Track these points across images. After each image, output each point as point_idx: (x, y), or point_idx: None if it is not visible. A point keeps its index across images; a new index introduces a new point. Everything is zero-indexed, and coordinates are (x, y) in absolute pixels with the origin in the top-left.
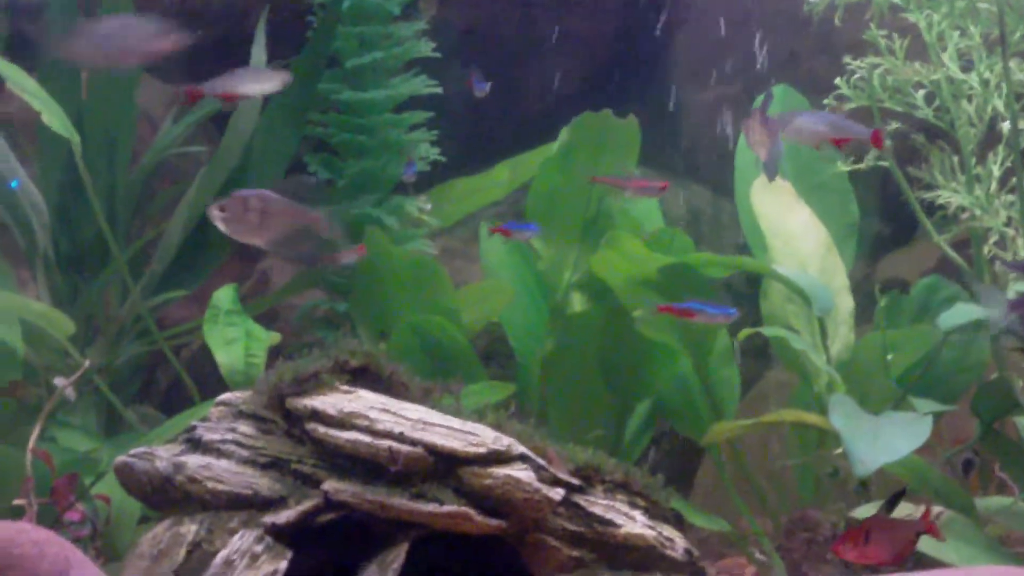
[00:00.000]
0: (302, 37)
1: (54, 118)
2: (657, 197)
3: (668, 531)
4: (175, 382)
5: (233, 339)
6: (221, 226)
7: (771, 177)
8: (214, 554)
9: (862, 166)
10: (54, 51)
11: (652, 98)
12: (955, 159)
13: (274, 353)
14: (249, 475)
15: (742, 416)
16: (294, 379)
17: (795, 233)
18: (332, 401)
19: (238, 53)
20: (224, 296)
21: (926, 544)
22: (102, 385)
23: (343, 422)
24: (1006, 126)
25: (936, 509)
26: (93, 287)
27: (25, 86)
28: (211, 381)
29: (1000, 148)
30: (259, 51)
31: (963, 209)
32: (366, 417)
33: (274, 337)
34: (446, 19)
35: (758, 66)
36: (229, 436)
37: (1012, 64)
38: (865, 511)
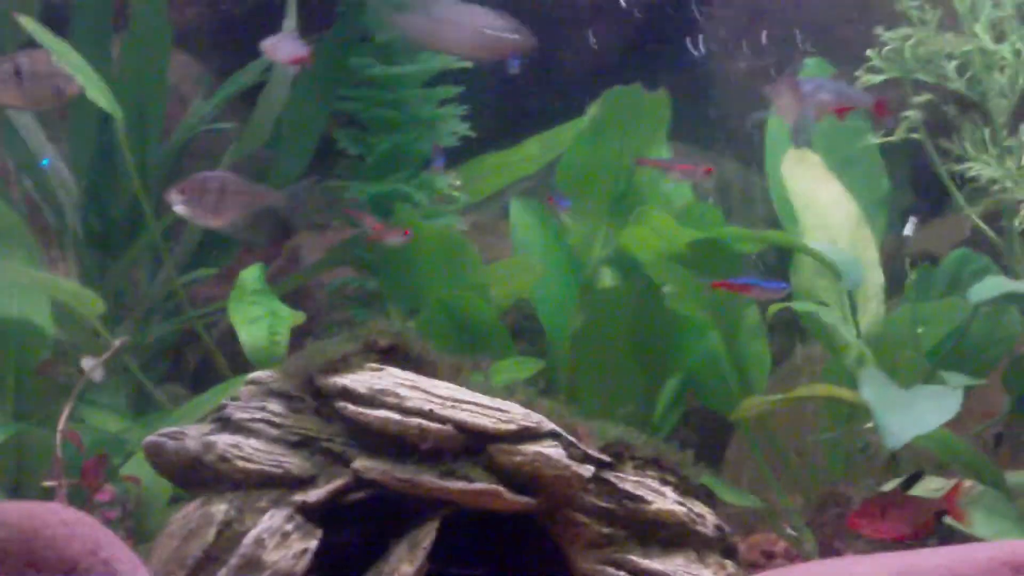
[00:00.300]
0: (333, 11)
1: (100, 94)
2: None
3: (699, 507)
4: (204, 361)
5: (257, 318)
6: (181, 209)
7: (801, 145)
8: (244, 533)
9: (893, 139)
10: (403, 30)
11: (685, 70)
12: (986, 131)
13: (303, 331)
14: (279, 454)
15: (772, 391)
16: (324, 362)
17: (826, 207)
18: (362, 379)
19: (269, 25)
20: (250, 275)
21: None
22: (131, 364)
23: (373, 400)
24: None
25: (966, 483)
26: (121, 265)
27: (70, 60)
28: (238, 360)
29: None
30: (290, 24)
31: (994, 181)
32: (396, 395)
33: (299, 316)
34: None
35: (791, 37)
36: (259, 415)
37: None
38: (894, 486)
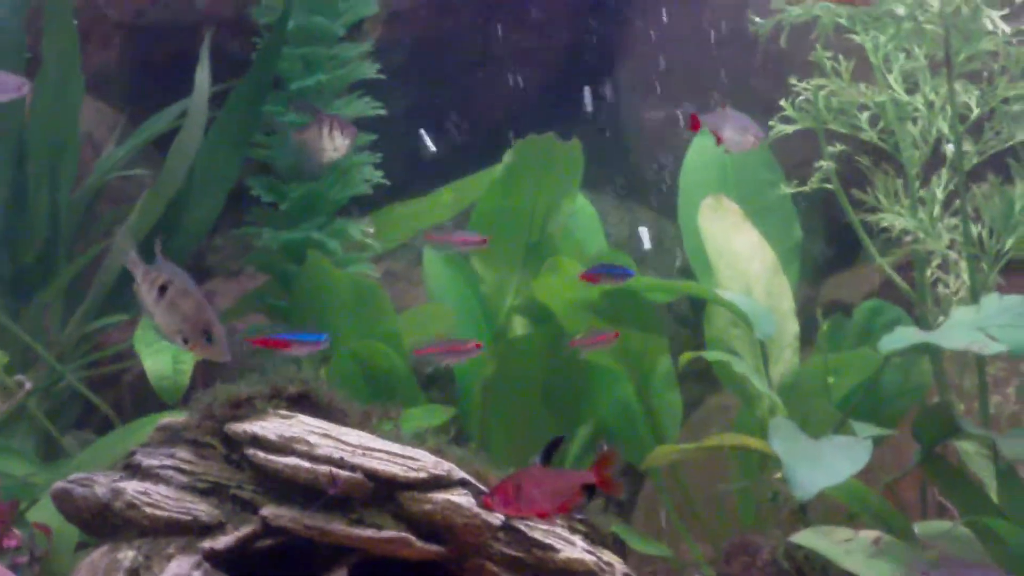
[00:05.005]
0: (247, 58)
1: None
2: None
3: (608, 556)
4: (115, 407)
5: (162, 347)
6: None
7: None
8: None
9: (806, 188)
10: None
11: (600, 119)
12: (899, 182)
13: (214, 377)
14: (188, 500)
15: (684, 440)
16: (227, 403)
17: (742, 255)
18: (272, 426)
19: (183, 72)
20: None
21: (864, 568)
22: (35, 410)
23: (283, 447)
24: (950, 148)
25: (874, 533)
26: (33, 310)
27: None
28: (151, 404)
29: (944, 171)
30: (203, 72)
31: (906, 232)
32: (306, 442)
33: None
34: (391, 40)
35: (705, 86)
36: (168, 461)
37: (957, 86)
38: (805, 536)
